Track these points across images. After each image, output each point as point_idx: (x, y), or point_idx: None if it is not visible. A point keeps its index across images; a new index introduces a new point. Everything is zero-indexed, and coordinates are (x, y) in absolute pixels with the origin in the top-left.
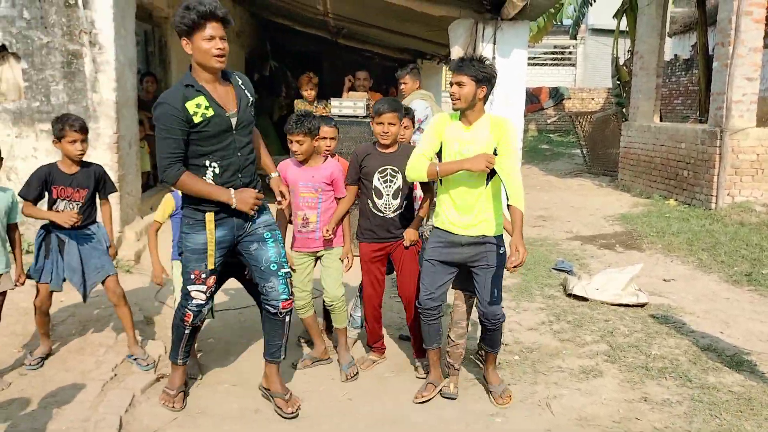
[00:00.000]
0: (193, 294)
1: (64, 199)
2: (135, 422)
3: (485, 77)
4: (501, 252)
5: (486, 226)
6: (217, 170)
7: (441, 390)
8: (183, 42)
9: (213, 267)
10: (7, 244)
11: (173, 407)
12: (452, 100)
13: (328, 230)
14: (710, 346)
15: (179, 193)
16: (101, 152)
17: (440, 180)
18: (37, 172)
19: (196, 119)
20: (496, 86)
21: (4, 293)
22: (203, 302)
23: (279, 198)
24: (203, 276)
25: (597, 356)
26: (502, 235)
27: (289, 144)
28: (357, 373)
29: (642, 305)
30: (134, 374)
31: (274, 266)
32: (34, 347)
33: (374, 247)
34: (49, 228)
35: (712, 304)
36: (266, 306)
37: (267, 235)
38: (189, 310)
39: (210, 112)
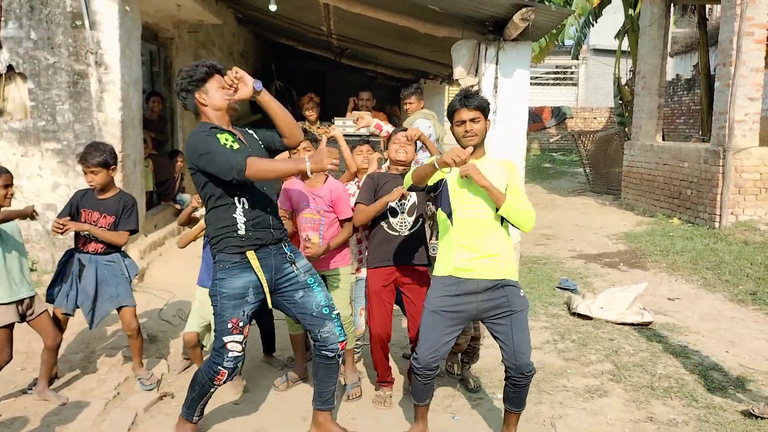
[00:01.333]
0: (229, 346)
1: (90, 223)
2: None
3: (488, 108)
4: (522, 295)
5: (506, 269)
6: (246, 204)
7: (446, 368)
8: (197, 95)
9: (270, 305)
10: (25, 265)
11: None
12: (465, 138)
13: (313, 242)
14: (716, 365)
15: None
16: None
17: (451, 222)
18: (74, 195)
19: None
20: (499, 105)
21: (44, 313)
22: (239, 354)
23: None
24: (241, 324)
25: (602, 375)
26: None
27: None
28: (360, 395)
29: (647, 324)
30: (137, 393)
31: (326, 310)
32: (38, 366)
33: (386, 272)
34: (73, 251)
35: (717, 323)
36: (324, 352)
37: (311, 280)
38: (224, 367)
39: (236, 146)
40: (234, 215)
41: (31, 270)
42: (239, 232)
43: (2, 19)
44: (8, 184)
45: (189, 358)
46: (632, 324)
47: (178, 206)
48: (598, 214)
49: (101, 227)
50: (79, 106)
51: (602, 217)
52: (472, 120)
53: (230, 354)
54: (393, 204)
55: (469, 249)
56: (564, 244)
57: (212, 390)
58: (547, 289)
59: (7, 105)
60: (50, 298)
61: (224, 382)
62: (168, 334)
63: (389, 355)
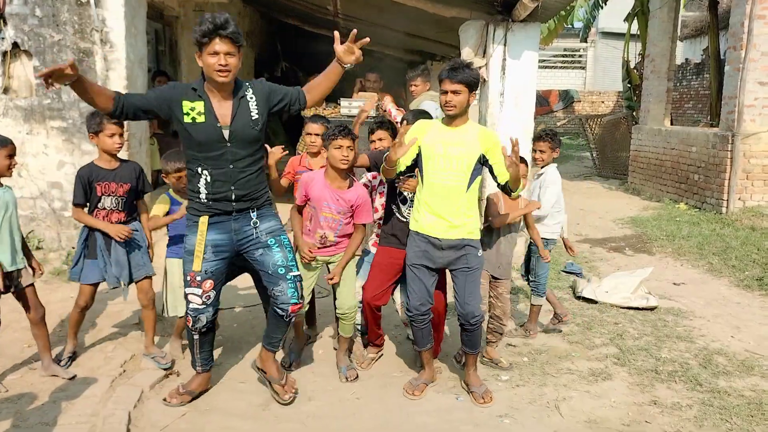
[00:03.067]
0: (189, 297)
1: (109, 195)
2: (143, 418)
3: (475, 83)
4: (479, 255)
5: (466, 231)
6: (208, 178)
7: (498, 364)
8: (196, 55)
9: (199, 269)
10: (18, 240)
11: (169, 401)
12: (445, 107)
13: (333, 278)
14: (721, 350)
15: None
16: None
17: (421, 183)
18: (80, 173)
19: (186, 119)
20: (507, 87)
21: (31, 286)
22: (199, 307)
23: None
24: (198, 279)
25: (606, 359)
26: (479, 239)
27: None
28: (357, 376)
29: (652, 308)
30: (143, 371)
31: (281, 270)
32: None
33: (395, 252)
34: (93, 227)
35: (722, 309)
36: (275, 308)
37: (271, 241)
38: (188, 313)
39: (200, 119)
40: (198, 184)
41: (37, 248)
42: (201, 199)
43: None
44: (11, 154)
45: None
46: (637, 308)
47: None
48: (605, 199)
49: (121, 197)
50: None
51: (609, 201)
52: (454, 92)
53: (191, 305)
54: (405, 193)
55: (435, 213)
56: (570, 228)
57: (195, 337)
58: (552, 273)
59: (12, 83)
60: (74, 277)
61: (194, 328)
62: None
63: (380, 324)
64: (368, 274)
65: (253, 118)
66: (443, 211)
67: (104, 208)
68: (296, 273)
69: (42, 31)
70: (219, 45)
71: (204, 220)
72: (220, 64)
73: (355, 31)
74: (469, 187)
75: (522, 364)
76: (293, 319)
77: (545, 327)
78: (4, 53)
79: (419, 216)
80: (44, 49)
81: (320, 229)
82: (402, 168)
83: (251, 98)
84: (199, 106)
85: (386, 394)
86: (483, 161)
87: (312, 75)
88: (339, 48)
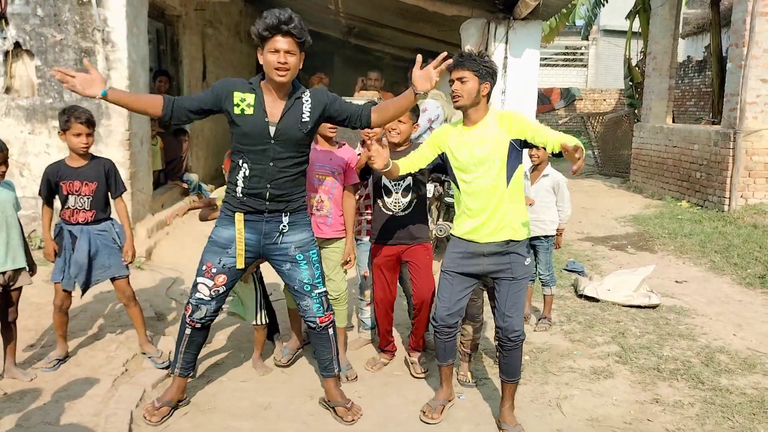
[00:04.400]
0: (198, 286)
1: (73, 194)
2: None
3: (488, 72)
4: (527, 264)
5: (511, 230)
6: (247, 172)
7: (459, 380)
8: (258, 51)
9: (242, 266)
10: (16, 239)
11: (149, 420)
12: (453, 97)
13: (348, 262)
14: (723, 348)
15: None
16: (113, 149)
17: (457, 187)
18: (47, 170)
19: (236, 110)
20: (509, 85)
21: (19, 289)
22: (204, 298)
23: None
24: (213, 270)
25: (608, 357)
26: (527, 241)
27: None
28: (356, 377)
29: (654, 307)
30: (145, 370)
31: (307, 287)
32: (47, 343)
33: (387, 249)
34: (62, 225)
35: (724, 307)
36: (306, 322)
37: (300, 257)
38: (190, 301)
39: (249, 111)
40: (237, 176)
41: (39, 248)
42: (237, 193)
43: None
44: (2, 162)
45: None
46: (639, 306)
47: (185, 185)
48: (607, 197)
49: (87, 196)
50: None
51: (610, 199)
52: (460, 79)
53: (197, 294)
54: (387, 183)
55: (474, 215)
56: (571, 226)
57: (187, 330)
58: (554, 271)
59: (14, 82)
60: (53, 276)
61: (190, 319)
62: (177, 312)
63: (392, 332)
64: (372, 276)
65: (303, 120)
66: (485, 213)
67: (68, 207)
68: (322, 290)
69: (44, 31)
70: (280, 42)
71: (240, 217)
72: (279, 62)
73: (444, 54)
74: (509, 181)
75: (524, 363)
76: (330, 332)
77: (535, 327)
78: (6, 53)
79: (460, 222)
80: (46, 49)
81: (314, 193)
82: (407, 171)
83: (306, 101)
84: (250, 98)
85: (388, 394)
86: (520, 145)
87: (314, 74)
88: (417, 73)
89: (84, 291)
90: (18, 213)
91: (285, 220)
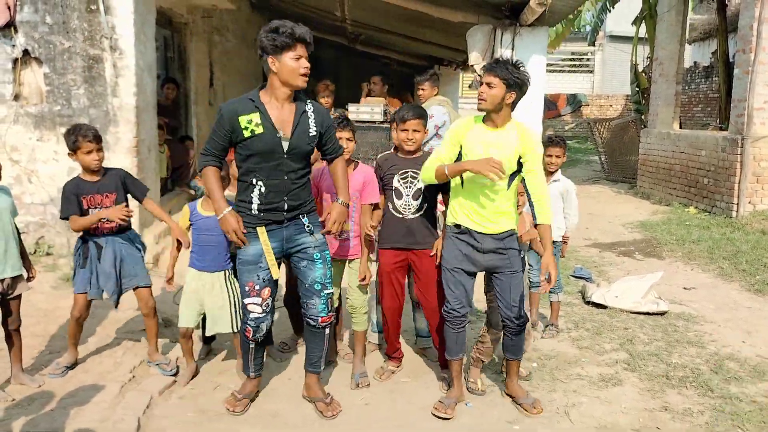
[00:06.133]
0: (249, 307)
1: (94, 208)
2: (152, 424)
3: (516, 83)
4: (522, 257)
5: (506, 222)
6: (262, 189)
7: (468, 387)
8: (269, 60)
9: (278, 275)
10: (13, 245)
11: (233, 410)
12: (478, 99)
13: (365, 277)
14: (732, 355)
15: (196, 204)
16: (121, 156)
17: (462, 183)
18: (66, 188)
19: (246, 134)
20: None
21: (18, 297)
22: (260, 316)
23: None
24: (257, 288)
25: (616, 364)
26: (516, 230)
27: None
28: (368, 384)
29: (662, 313)
30: (152, 376)
31: (318, 286)
32: (54, 350)
33: (395, 255)
34: (86, 237)
35: (733, 313)
36: (306, 319)
37: (317, 255)
38: (248, 325)
39: (259, 129)
40: (251, 195)
41: (47, 254)
42: (252, 210)
43: (17, 3)
44: None
45: (207, 342)
46: (647, 313)
47: (192, 192)
48: (614, 203)
49: (107, 207)
50: (94, 90)
51: (617, 205)
52: (488, 84)
53: (251, 315)
54: (398, 186)
55: (474, 210)
56: (579, 232)
57: (251, 346)
58: (561, 278)
59: (23, 89)
60: (76, 287)
61: (254, 338)
62: None
63: (400, 337)
64: (379, 283)
65: (311, 134)
66: (482, 209)
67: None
68: (330, 291)
69: (52, 39)
70: (301, 49)
71: (262, 230)
72: (305, 67)
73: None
74: (509, 186)
75: (531, 370)
76: (327, 331)
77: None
78: (15, 60)
79: (454, 210)
80: (54, 56)
81: None
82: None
83: (311, 115)
84: (256, 117)
85: (395, 400)
86: (518, 161)
87: (320, 80)
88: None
89: (117, 301)
90: (24, 219)
91: (305, 220)
